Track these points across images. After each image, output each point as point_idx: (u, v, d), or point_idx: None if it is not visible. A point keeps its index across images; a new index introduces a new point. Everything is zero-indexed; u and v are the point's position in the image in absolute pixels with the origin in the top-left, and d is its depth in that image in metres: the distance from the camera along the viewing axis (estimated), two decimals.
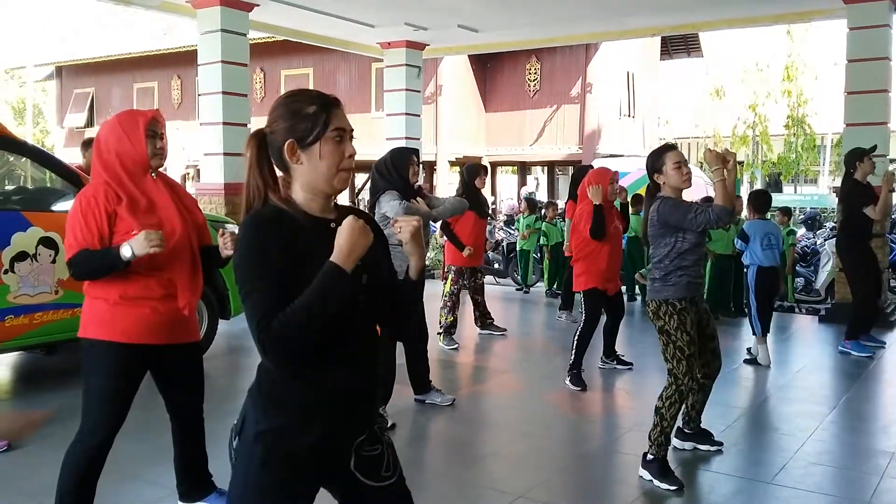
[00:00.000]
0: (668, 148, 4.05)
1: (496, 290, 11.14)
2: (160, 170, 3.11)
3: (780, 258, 6.87)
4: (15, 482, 3.89)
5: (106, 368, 2.95)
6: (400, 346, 5.08)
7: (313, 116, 1.86)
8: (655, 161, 4.01)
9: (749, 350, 6.78)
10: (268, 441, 1.83)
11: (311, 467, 1.88)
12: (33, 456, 4.18)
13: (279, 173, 1.93)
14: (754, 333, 6.66)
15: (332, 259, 1.76)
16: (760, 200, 6.93)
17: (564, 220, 9.05)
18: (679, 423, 4.39)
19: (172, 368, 3.17)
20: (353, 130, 1.92)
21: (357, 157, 1.99)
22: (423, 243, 1.96)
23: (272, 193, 1.88)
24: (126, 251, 2.84)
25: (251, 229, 1.82)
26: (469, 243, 7.07)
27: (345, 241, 1.77)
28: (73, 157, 17.00)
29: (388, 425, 4.69)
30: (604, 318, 6.19)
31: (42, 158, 5.75)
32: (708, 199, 8.54)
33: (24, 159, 6.24)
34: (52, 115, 31.42)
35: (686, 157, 4.08)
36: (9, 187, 11.60)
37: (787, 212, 9.71)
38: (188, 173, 23.17)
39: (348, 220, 1.79)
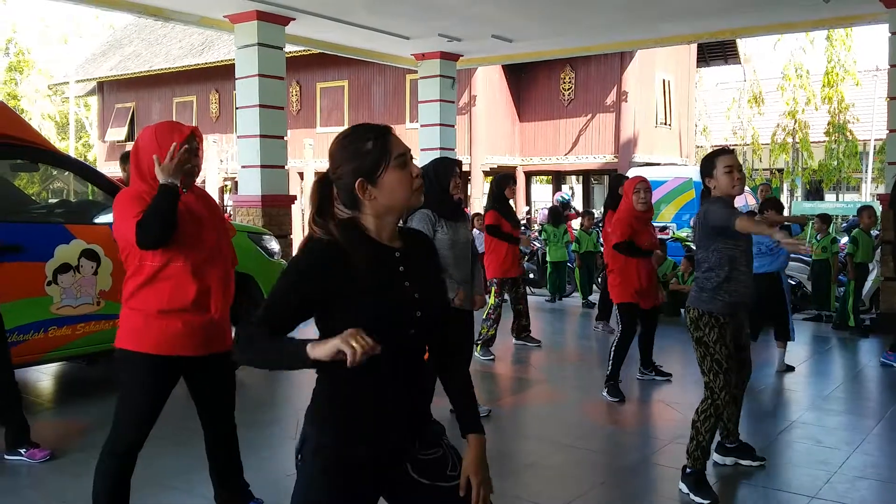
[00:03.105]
0: (721, 152, 3.92)
1: (532, 301, 11.06)
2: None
3: (781, 263, 6.72)
4: (58, 490, 3.95)
5: (139, 379, 2.99)
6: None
7: (375, 150, 1.89)
8: (707, 165, 3.90)
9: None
10: (325, 454, 1.91)
11: (369, 478, 1.94)
12: (76, 464, 4.23)
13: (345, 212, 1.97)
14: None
15: (308, 349, 1.76)
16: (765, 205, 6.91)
17: (601, 229, 9.00)
18: (718, 437, 4.32)
19: (205, 378, 3.19)
20: (410, 150, 1.96)
21: None
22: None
23: (335, 228, 1.90)
24: (162, 178, 2.90)
25: (302, 252, 1.92)
26: (503, 253, 7.07)
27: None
28: (113, 170, 17.32)
29: None
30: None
31: (84, 172, 5.86)
32: (752, 213, 8.46)
33: (66, 173, 6.36)
34: (94, 130, 32.08)
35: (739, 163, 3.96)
36: (52, 200, 11.83)
37: (825, 219, 9.51)
38: (226, 185, 23.47)
39: None
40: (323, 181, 1.95)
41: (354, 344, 1.66)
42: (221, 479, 3.37)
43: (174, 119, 25.03)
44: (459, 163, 5.12)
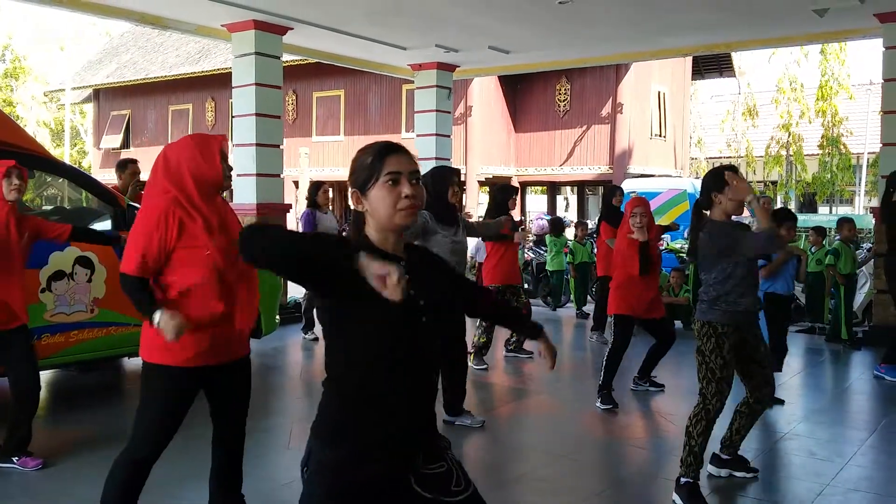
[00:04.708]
0: (733, 168, 3.90)
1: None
2: None
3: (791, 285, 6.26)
4: (49, 500, 3.93)
5: (166, 392, 3.01)
6: None
7: (370, 166, 1.97)
8: (718, 180, 3.86)
9: None
10: (330, 472, 1.90)
11: (375, 494, 1.92)
12: (68, 473, 4.21)
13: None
14: None
15: (360, 255, 1.74)
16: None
17: (595, 240, 9.02)
18: (716, 449, 4.33)
19: (225, 383, 3.21)
20: (413, 171, 2.00)
21: None
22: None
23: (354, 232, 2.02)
24: (156, 317, 2.88)
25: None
26: (504, 262, 7.04)
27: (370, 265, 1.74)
28: (108, 177, 17.29)
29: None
30: (641, 341, 6.12)
31: (79, 179, 5.85)
32: (747, 227, 8.47)
33: (61, 180, 6.35)
34: (90, 137, 32.03)
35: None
36: (47, 207, 11.80)
37: (821, 232, 9.54)
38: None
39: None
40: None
41: (395, 277, 1.68)
42: (221, 483, 3.33)
43: (169, 126, 25.06)
44: (458, 171, 5.17)
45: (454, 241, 4.86)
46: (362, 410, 1.92)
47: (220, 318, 3.02)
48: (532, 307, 11.52)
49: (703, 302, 3.97)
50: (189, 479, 3.98)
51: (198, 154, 3.01)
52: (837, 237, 8.91)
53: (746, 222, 9.41)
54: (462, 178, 19.92)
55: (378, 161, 1.96)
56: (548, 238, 11.25)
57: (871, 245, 8.57)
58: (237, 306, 3.07)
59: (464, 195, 21.18)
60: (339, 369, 1.96)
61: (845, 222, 8.65)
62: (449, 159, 12.84)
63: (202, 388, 3.16)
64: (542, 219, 14.38)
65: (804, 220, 21.01)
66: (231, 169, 3.15)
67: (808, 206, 27.67)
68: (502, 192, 7.16)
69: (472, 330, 7.61)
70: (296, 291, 10.19)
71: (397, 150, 2.00)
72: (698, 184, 4.46)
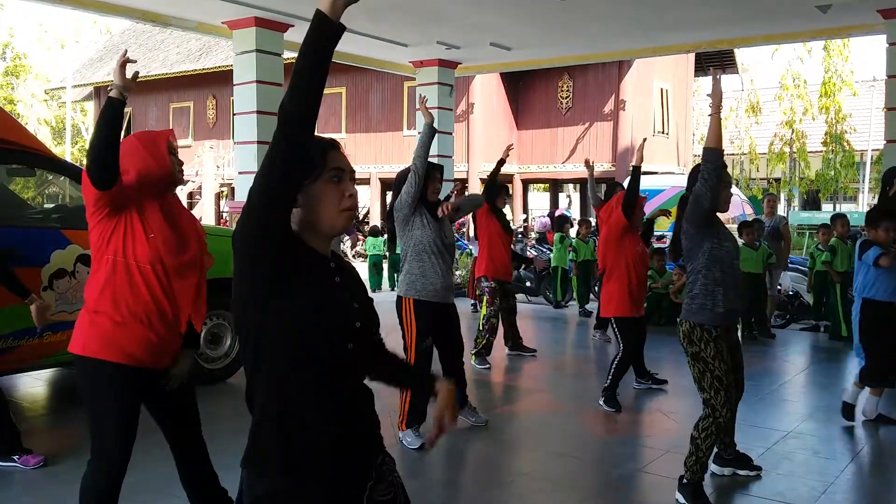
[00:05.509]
0: (724, 165, 3.89)
1: (528, 309, 11.08)
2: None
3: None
4: (52, 497, 3.92)
5: (117, 389, 2.86)
6: (435, 361, 5.02)
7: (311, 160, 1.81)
8: None
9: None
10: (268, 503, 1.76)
11: None
12: (69, 471, 4.19)
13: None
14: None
15: (318, 6, 1.65)
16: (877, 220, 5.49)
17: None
18: (716, 448, 4.31)
19: (164, 395, 3.05)
20: (353, 172, 1.89)
21: (388, 175, 1.98)
22: None
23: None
24: (113, 92, 2.88)
25: None
26: (496, 257, 7.08)
27: None
28: None
29: (418, 445, 4.67)
30: None
31: (80, 177, 5.82)
32: (746, 223, 8.44)
33: (62, 178, 6.33)
34: (90, 135, 32.02)
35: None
36: (48, 205, 11.79)
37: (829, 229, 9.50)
38: (222, 191, 23.46)
39: None
40: None
41: None
42: (197, 492, 3.23)
43: (171, 124, 25.08)
44: (440, 167, 5.10)
45: (440, 234, 4.80)
46: (290, 440, 1.74)
47: (156, 320, 2.88)
48: (534, 305, 11.55)
49: (694, 298, 3.88)
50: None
51: (145, 153, 2.90)
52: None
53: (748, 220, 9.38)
54: (464, 177, 19.97)
55: (320, 155, 1.81)
56: (555, 234, 11.28)
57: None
58: (181, 304, 2.93)
59: (466, 193, 21.15)
60: (268, 384, 1.76)
61: (838, 219, 8.64)
62: (451, 157, 12.82)
63: (143, 394, 2.98)
64: (544, 216, 14.38)
65: (808, 217, 21.04)
66: (182, 164, 3.03)
67: (812, 203, 27.64)
68: (491, 191, 7.30)
69: (472, 331, 7.61)
70: None
71: (338, 146, 1.87)
72: None
